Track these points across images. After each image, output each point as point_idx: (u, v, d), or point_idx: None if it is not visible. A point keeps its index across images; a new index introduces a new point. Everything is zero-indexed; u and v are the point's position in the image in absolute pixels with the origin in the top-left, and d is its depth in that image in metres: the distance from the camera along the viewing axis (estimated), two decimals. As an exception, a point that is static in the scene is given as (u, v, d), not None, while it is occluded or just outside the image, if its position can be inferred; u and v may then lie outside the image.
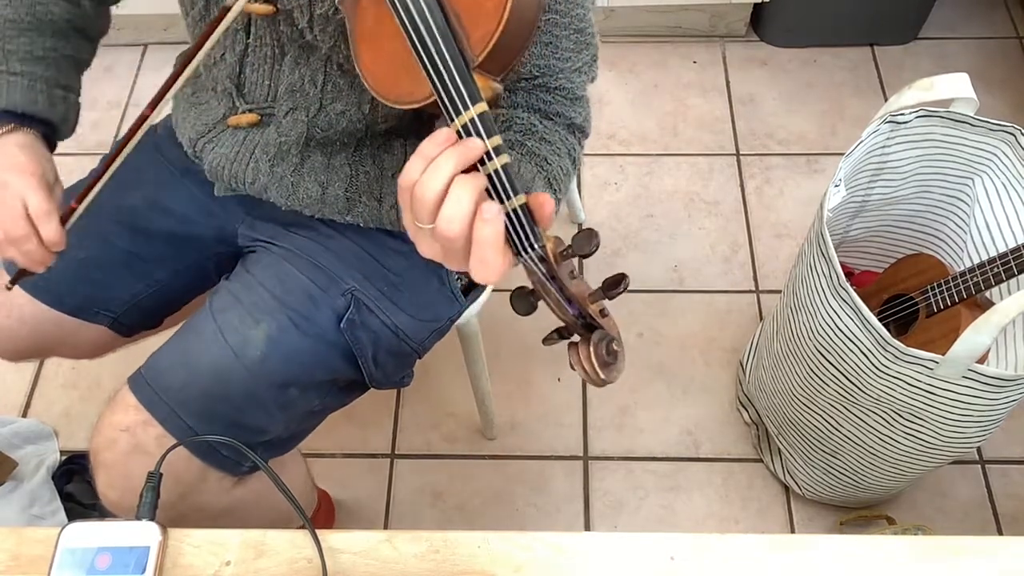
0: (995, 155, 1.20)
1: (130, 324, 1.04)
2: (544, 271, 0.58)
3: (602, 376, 0.57)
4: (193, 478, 0.87)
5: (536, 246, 0.57)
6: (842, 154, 1.17)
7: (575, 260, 0.58)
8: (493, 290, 1.12)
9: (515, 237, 0.57)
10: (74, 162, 1.89)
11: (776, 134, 1.92)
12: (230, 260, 1.01)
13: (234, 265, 0.99)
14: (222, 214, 1.01)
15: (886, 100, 1.39)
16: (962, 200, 1.28)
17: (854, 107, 1.96)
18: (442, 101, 0.57)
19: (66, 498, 1.42)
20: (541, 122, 0.78)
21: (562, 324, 0.60)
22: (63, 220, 0.81)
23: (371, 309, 0.94)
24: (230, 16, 0.71)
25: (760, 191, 1.84)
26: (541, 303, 0.60)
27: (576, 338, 0.59)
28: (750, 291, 1.71)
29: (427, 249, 0.60)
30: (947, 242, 1.34)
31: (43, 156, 0.84)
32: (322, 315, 0.91)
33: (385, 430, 1.57)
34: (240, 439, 0.75)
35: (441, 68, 0.57)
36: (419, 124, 0.90)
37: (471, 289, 1.06)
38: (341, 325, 0.91)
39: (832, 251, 1.09)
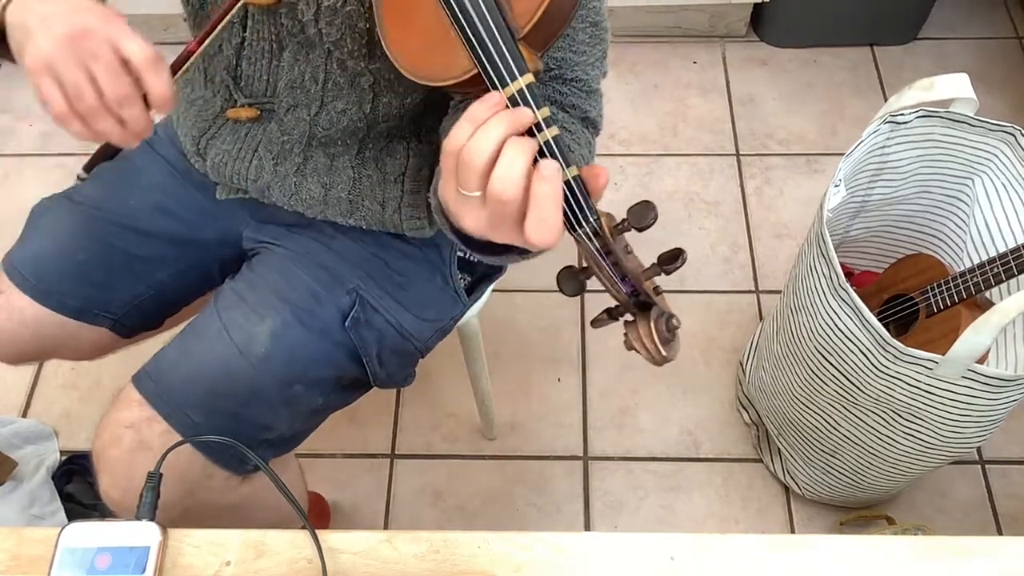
0: (995, 155, 1.20)
1: (131, 325, 1.03)
2: (599, 246, 0.56)
3: (664, 353, 0.55)
4: (198, 475, 0.87)
5: (592, 218, 0.55)
6: (842, 154, 1.17)
7: (626, 236, 0.57)
8: (493, 290, 1.12)
9: (569, 210, 0.55)
10: (75, 163, 1.89)
11: (776, 134, 1.92)
12: (233, 262, 1.01)
13: (238, 267, 0.98)
14: (225, 217, 1.01)
15: (886, 100, 1.39)
16: (962, 200, 1.28)
17: (854, 107, 1.95)
18: (487, 74, 0.56)
19: (66, 498, 1.42)
20: (559, 112, 0.77)
21: (614, 304, 0.58)
22: (174, 69, 0.67)
23: (376, 308, 0.94)
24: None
25: (760, 191, 1.84)
26: (591, 283, 0.58)
27: (629, 317, 0.57)
28: (750, 291, 1.71)
29: (472, 220, 0.57)
30: (947, 242, 1.34)
31: None
32: (327, 313, 0.91)
33: (385, 430, 1.56)
34: (244, 436, 0.75)
35: (487, 40, 0.55)
36: (419, 125, 0.90)
37: (473, 289, 1.06)
38: (346, 324, 0.91)
39: (832, 251, 1.09)
